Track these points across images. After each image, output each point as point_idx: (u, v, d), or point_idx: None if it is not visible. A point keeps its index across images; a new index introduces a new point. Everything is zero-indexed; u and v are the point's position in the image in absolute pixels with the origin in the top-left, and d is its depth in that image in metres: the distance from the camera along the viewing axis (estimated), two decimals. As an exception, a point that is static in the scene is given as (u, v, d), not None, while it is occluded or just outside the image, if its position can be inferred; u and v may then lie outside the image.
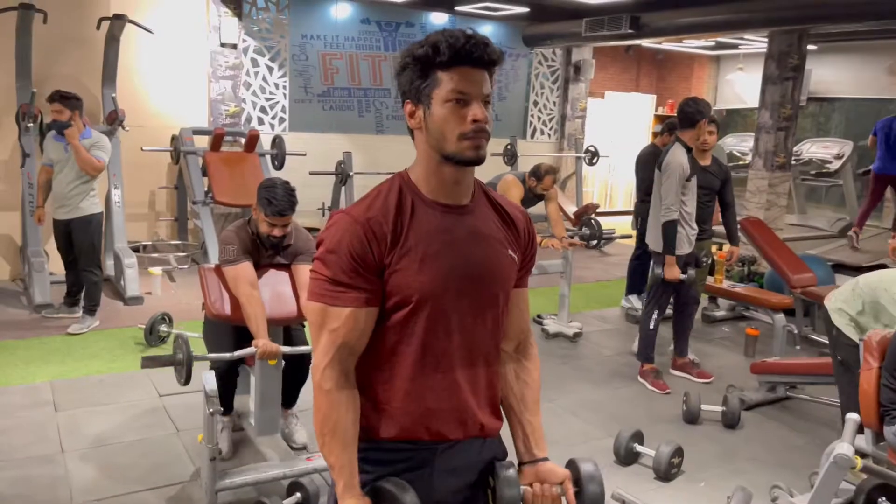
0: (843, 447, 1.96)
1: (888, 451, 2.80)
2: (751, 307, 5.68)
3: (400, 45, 8.89)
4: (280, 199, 3.00)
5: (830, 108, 10.38)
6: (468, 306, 1.44)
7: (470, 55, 1.35)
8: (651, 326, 4.41)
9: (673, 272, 4.24)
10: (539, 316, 5.66)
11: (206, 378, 2.84)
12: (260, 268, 3.12)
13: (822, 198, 9.98)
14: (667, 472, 3.31)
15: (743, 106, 11.18)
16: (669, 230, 4.20)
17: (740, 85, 10.76)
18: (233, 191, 6.56)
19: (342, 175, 7.83)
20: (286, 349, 3.00)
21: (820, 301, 5.24)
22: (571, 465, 1.49)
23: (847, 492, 3.12)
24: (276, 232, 3.05)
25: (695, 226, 4.31)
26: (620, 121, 11.29)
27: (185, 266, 6.90)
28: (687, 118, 4.22)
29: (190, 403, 3.80)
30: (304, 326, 3.30)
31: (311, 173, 7.40)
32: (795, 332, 5.16)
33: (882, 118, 7.81)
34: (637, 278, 5.94)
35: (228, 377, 3.15)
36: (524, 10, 7.79)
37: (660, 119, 11.57)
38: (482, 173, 1.59)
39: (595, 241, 7.14)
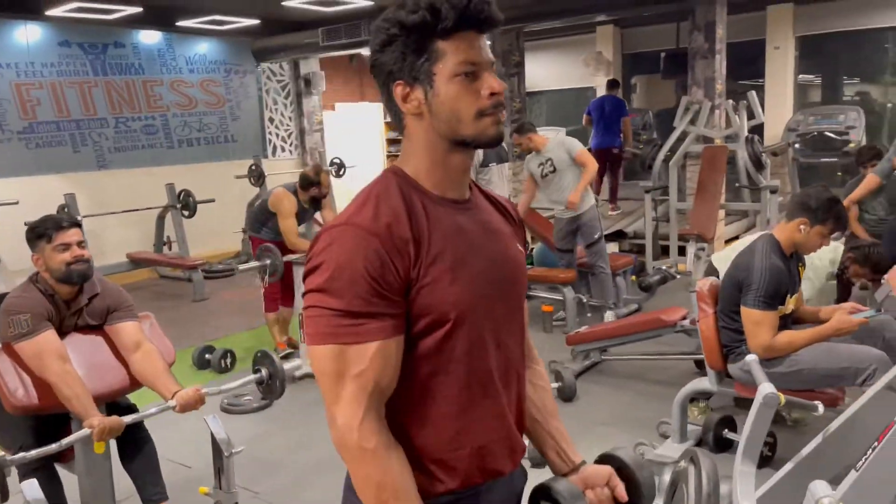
0: (765, 387, 2.08)
1: (735, 385, 3.10)
2: (534, 285, 6.01)
3: (111, 68, 7.89)
4: (57, 217, 2.60)
5: (535, 100, 11.51)
6: (502, 314, 1.24)
7: (477, 17, 1.14)
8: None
9: None
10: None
11: (26, 487, 2.15)
12: (62, 333, 2.47)
13: (544, 181, 10.99)
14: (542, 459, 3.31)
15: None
16: None
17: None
18: (-69, 258, 5.28)
19: (69, 221, 6.73)
20: (129, 418, 2.40)
21: (592, 270, 5.74)
22: (608, 459, 1.36)
23: (695, 433, 3.44)
24: (77, 251, 2.47)
25: None
26: (353, 131, 11.32)
27: None
28: None
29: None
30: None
31: (29, 224, 6.22)
32: (585, 301, 5.57)
33: (580, 104, 8.87)
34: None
35: (50, 475, 2.45)
36: (254, 22, 7.39)
37: (390, 126, 11.82)
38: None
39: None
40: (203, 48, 8.70)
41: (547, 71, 10.70)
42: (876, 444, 1.82)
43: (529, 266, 6.58)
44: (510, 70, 8.03)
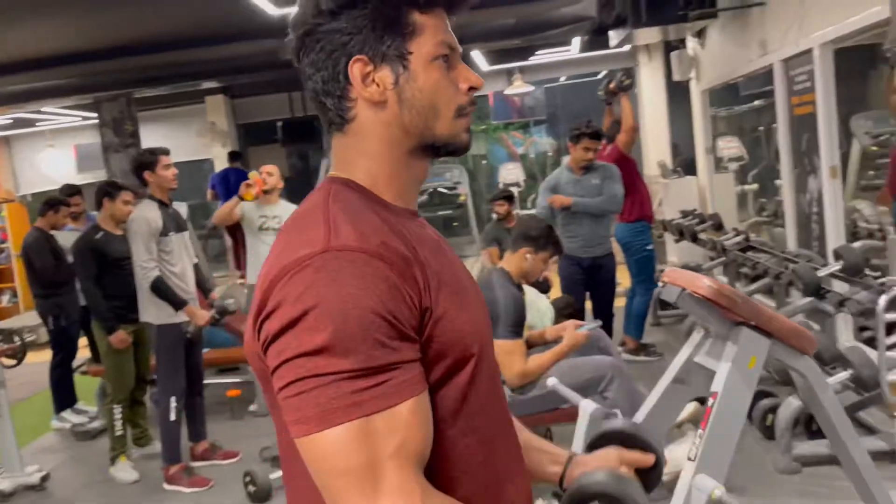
0: (587, 404, 2.10)
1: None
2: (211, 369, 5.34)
3: None
4: None
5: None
6: (490, 344, 0.99)
7: None
8: (173, 417, 3.70)
9: (202, 315, 3.78)
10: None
11: None
12: None
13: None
14: None
15: (54, 187, 10.29)
16: (161, 287, 3.65)
17: (49, 164, 9.84)
18: None
19: None
20: None
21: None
22: (603, 439, 1.20)
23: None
24: None
25: (187, 286, 3.82)
26: None
27: None
28: (143, 165, 3.73)
29: None
30: None
31: None
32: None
33: (198, 177, 8.40)
34: (65, 392, 4.91)
35: None
36: None
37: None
38: None
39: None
40: None
41: (163, 142, 9.91)
42: (701, 430, 1.95)
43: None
44: (125, 140, 7.19)
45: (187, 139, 9.53)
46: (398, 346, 0.78)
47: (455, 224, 9.06)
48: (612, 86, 4.90)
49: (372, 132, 0.90)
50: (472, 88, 0.92)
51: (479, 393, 0.89)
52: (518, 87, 8.50)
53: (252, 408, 4.86)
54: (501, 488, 0.92)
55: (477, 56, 7.98)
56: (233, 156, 8.40)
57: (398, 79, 0.88)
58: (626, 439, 1.17)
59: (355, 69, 0.87)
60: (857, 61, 4.30)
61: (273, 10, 4.95)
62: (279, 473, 3.57)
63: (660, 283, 2.20)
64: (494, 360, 0.96)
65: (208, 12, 5.52)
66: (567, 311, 3.72)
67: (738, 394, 1.98)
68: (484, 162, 10.39)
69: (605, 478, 1.04)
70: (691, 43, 6.47)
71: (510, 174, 8.76)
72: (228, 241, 8.61)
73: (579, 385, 3.00)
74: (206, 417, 4.15)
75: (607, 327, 4.44)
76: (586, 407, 2.11)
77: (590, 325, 3.14)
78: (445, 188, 8.74)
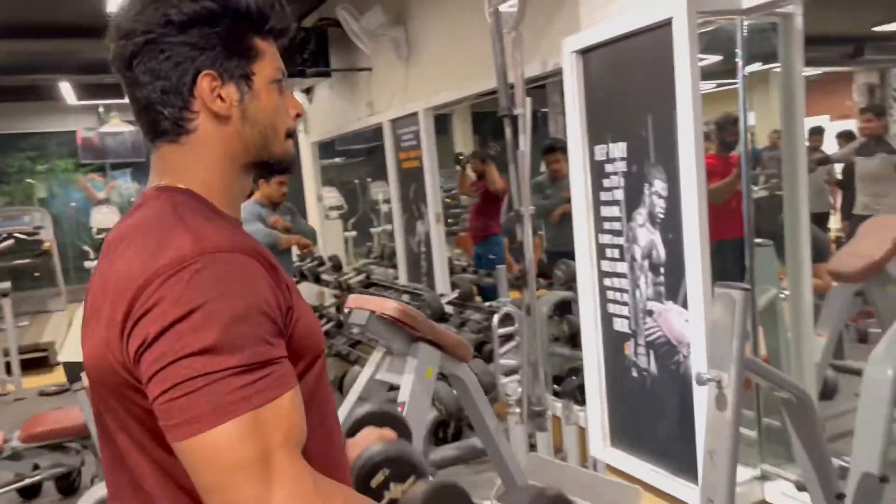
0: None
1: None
2: None
3: None
4: None
5: None
6: None
7: (287, 27, 1.02)
8: None
9: None
10: None
11: None
12: None
13: None
14: None
15: None
16: None
17: None
18: None
19: None
20: None
21: None
22: (361, 422, 1.49)
23: None
24: None
25: None
26: None
27: None
28: None
29: None
30: None
31: None
32: None
33: None
34: None
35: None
36: None
37: None
38: None
39: None
40: None
41: None
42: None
43: None
44: None
45: None
46: (277, 342, 0.83)
47: (37, 275, 7.90)
48: None
49: (211, 144, 0.93)
50: (298, 115, 1.01)
51: (324, 387, 0.97)
52: (116, 126, 7.90)
53: None
54: (342, 477, 0.98)
55: (65, 88, 7.24)
56: None
57: (243, 97, 0.93)
58: (374, 418, 1.49)
59: (204, 83, 0.90)
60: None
61: None
62: None
63: (345, 310, 2.37)
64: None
65: None
66: None
67: (421, 401, 2.25)
68: (73, 205, 9.33)
69: (381, 446, 1.25)
70: (300, 98, 6.89)
71: (105, 218, 8.02)
72: None
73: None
74: None
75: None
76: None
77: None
78: (24, 233, 7.61)
